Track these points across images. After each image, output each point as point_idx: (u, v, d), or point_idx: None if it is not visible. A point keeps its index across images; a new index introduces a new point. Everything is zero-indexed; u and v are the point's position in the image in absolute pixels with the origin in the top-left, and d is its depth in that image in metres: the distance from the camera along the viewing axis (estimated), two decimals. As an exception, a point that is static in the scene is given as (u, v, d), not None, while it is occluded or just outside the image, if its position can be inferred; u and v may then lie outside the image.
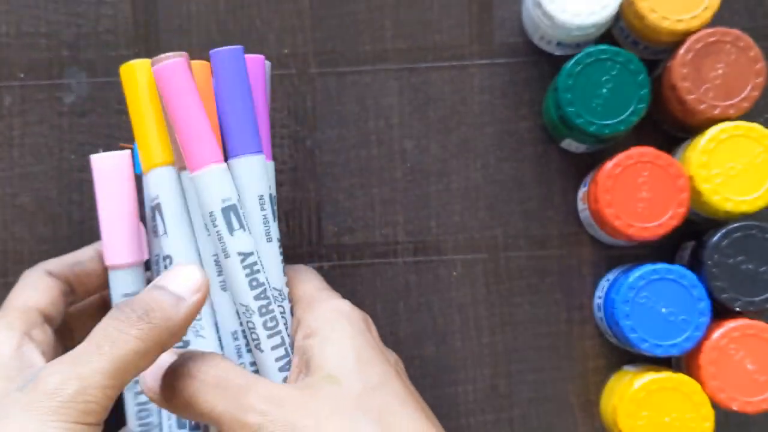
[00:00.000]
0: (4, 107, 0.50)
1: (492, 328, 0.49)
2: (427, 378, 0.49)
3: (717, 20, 0.47)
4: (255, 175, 0.42)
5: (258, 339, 0.42)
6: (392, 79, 0.50)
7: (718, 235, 0.45)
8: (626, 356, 0.49)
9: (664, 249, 0.49)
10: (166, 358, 0.39)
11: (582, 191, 0.48)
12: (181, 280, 0.37)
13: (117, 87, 0.50)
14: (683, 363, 0.47)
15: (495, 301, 0.49)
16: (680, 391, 0.44)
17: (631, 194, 0.44)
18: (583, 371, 0.49)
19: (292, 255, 0.49)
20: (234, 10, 0.50)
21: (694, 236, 0.47)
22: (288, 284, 0.43)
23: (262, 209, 0.42)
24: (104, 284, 0.44)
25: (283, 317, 0.42)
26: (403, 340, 0.49)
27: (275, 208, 0.43)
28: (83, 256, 0.44)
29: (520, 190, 0.50)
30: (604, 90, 0.45)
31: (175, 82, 0.41)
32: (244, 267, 0.41)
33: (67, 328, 0.45)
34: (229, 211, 0.41)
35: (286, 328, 0.42)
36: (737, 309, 0.45)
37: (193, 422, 0.42)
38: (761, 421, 0.49)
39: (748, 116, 0.46)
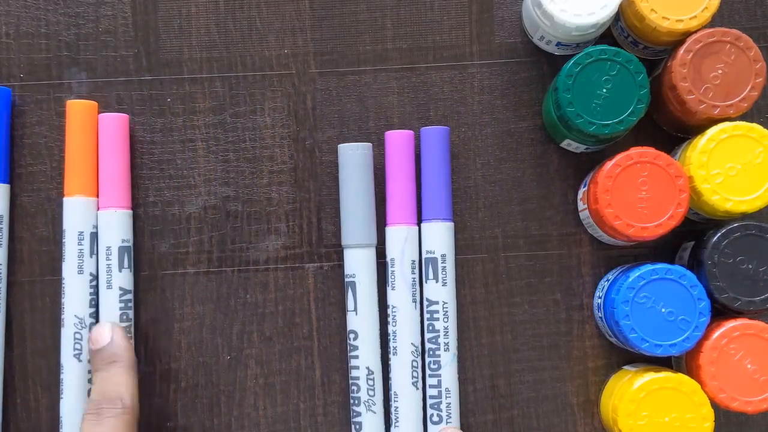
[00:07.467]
0: (4, 107, 0.50)
1: (491, 329, 0.49)
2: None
3: (717, 20, 0.47)
4: (445, 236, 0.48)
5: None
6: (392, 79, 0.50)
7: (718, 235, 0.45)
8: (626, 356, 0.49)
9: (664, 249, 0.49)
10: None
11: (582, 191, 0.48)
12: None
13: (117, 87, 0.50)
14: (683, 363, 0.47)
15: (494, 302, 0.49)
16: (680, 391, 0.44)
17: (631, 194, 0.44)
18: (583, 371, 0.49)
19: (291, 255, 0.49)
20: (234, 10, 0.50)
21: (694, 236, 0.47)
22: None
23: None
24: None
25: None
26: (403, 340, 0.49)
27: None
28: None
29: (519, 191, 0.50)
30: (604, 90, 0.45)
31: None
32: None
33: None
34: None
35: None
36: (737, 309, 0.45)
37: None
38: (761, 421, 0.49)
39: (747, 116, 0.46)
